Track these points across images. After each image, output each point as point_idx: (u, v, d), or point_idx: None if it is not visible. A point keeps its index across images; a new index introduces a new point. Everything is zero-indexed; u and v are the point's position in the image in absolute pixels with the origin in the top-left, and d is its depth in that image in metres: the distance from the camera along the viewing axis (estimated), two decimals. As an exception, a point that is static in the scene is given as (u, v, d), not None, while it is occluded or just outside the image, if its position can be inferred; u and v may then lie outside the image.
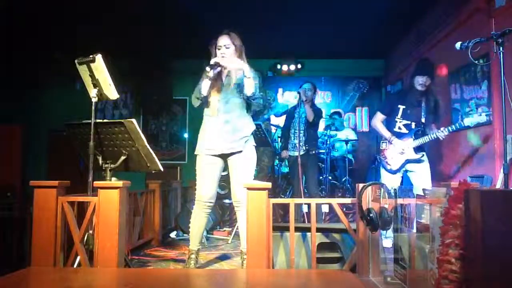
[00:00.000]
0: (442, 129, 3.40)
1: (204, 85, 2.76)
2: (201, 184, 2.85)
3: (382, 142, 3.73)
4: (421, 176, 3.56)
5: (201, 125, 2.94)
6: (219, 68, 2.72)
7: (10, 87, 6.81)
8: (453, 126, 3.38)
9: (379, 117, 3.77)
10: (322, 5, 4.88)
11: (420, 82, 3.53)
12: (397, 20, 5.25)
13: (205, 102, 2.83)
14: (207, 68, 2.67)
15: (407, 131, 3.61)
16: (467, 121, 3.38)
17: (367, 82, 7.21)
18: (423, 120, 3.61)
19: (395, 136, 3.62)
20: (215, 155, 2.82)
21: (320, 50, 6.56)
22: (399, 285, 2.22)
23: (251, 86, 2.71)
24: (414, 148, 3.54)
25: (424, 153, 3.59)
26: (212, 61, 2.72)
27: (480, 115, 3.45)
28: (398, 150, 3.59)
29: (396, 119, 3.66)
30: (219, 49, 2.78)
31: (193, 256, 2.86)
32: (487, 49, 3.14)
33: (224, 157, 2.83)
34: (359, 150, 6.75)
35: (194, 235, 2.89)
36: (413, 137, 3.57)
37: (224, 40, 2.78)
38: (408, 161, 3.57)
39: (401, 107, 3.64)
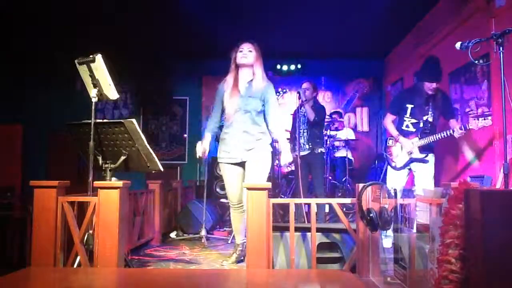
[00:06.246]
0: (457, 127, 3.26)
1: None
2: (227, 190, 3.12)
3: (389, 139, 3.74)
4: (423, 177, 3.56)
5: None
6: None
7: (10, 87, 6.82)
8: (464, 127, 3.22)
9: (390, 117, 3.83)
10: (322, 5, 4.87)
11: (430, 87, 3.54)
12: (397, 20, 5.25)
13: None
14: None
15: (414, 130, 3.63)
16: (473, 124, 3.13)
17: (367, 82, 7.21)
18: (430, 119, 3.58)
19: (402, 135, 3.65)
20: (234, 163, 3.00)
21: (320, 50, 6.55)
22: (399, 285, 2.22)
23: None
24: (419, 147, 3.54)
25: (430, 154, 3.56)
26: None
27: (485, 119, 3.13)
28: (406, 149, 3.59)
29: (405, 118, 3.68)
30: (241, 51, 2.97)
31: (239, 248, 3.11)
32: (487, 49, 3.13)
33: (243, 164, 3.00)
34: (359, 150, 6.75)
35: (236, 231, 3.22)
36: (419, 135, 3.57)
37: (247, 45, 2.99)
38: (412, 160, 3.58)
39: (410, 106, 3.66)
